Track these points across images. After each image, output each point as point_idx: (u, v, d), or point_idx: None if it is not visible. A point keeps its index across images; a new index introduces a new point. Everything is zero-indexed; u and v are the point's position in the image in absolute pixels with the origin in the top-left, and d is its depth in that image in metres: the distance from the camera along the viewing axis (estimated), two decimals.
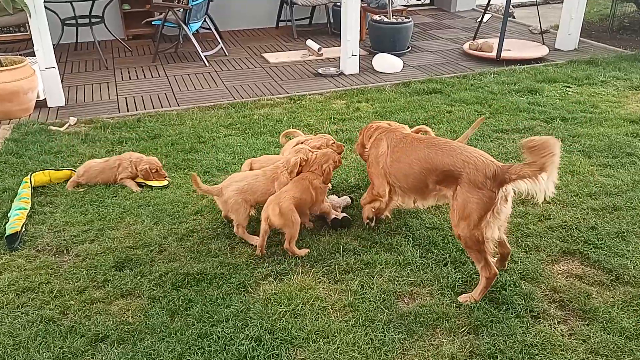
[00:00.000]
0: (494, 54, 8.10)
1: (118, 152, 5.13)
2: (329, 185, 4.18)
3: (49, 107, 6.50)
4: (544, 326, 3.08)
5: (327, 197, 4.09)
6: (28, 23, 6.20)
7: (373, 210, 3.95)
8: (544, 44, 8.69)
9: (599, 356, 2.88)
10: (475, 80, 7.17)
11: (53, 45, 6.48)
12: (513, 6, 11.35)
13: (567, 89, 6.85)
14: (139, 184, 4.61)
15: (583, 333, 3.02)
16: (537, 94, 6.63)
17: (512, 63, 7.85)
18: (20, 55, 6.72)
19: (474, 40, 8.75)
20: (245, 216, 3.82)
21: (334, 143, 4.22)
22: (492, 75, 7.33)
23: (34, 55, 6.35)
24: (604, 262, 3.57)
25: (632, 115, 5.93)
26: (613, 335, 2.99)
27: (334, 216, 4.03)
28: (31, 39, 6.34)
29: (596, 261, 3.59)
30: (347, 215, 4.10)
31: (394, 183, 3.66)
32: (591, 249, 3.71)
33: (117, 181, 4.64)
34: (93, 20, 8.26)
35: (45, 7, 6.21)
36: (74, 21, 8.20)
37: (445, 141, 3.46)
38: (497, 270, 3.24)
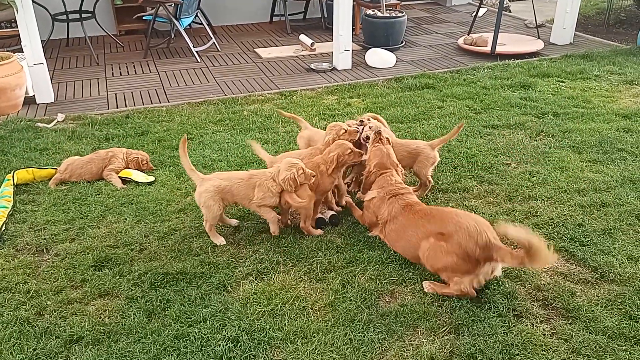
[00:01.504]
0: (488, 48, 8.03)
1: (104, 149, 5.05)
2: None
3: (38, 104, 6.44)
4: (526, 325, 3.04)
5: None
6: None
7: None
8: (539, 38, 8.61)
9: (581, 356, 2.84)
10: (468, 75, 7.10)
11: (43, 41, 6.43)
12: (509, 0, 11.26)
13: (561, 83, 6.78)
14: (124, 181, 4.57)
15: (565, 332, 2.98)
16: (530, 89, 6.56)
17: (506, 58, 7.77)
18: (8, 51, 6.67)
19: (468, 34, 8.67)
20: (215, 215, 3.69)
21: (345, 132, 4.01)
22: (486, 70, 7.26)
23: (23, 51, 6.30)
24: (590, 259, 3.52)
25: (625, 110, 5.87)
26: (595, 335, 2.95)
27: (320, 215, 4.00)
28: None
29: (581, 259, 3.54)
30: (335, 213, 4.06)
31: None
32: (577, 246, 3.67)
33: (104, 175, 4.60)
34: (84, 15, 8.20)
35: (35, 2, 6.15)
36: (64, 16, 8.14)
37: (437, 210, 3.44)
38: (474, 294, 3.19)
